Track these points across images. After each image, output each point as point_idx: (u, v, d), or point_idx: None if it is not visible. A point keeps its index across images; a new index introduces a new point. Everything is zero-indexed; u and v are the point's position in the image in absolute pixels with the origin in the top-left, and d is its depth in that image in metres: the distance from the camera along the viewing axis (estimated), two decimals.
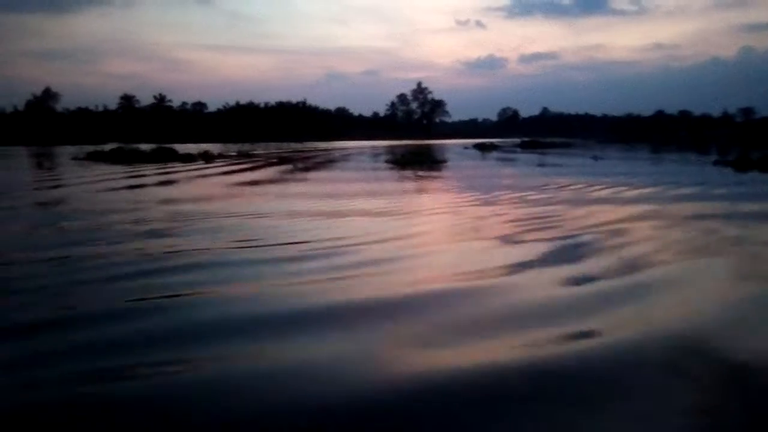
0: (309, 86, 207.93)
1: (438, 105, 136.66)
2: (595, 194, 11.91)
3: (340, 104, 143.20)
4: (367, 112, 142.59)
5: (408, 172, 20.03)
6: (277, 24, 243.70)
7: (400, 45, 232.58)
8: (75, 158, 30.04)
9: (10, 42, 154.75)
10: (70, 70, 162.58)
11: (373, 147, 54.95)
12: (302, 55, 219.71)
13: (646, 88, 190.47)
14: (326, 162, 28.95)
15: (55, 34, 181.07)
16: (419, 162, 25.91)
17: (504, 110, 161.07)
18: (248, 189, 14.31)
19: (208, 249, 6.19)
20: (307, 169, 23.08)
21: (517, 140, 68.18)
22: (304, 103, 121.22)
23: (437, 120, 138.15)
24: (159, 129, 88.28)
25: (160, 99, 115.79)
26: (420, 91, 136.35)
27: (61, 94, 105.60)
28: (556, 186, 13.80)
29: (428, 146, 57.43)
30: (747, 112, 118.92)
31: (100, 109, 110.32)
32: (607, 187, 13.21)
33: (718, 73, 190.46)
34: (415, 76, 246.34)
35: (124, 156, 30.46)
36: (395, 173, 20.06)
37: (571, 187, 13.41)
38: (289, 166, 24.74)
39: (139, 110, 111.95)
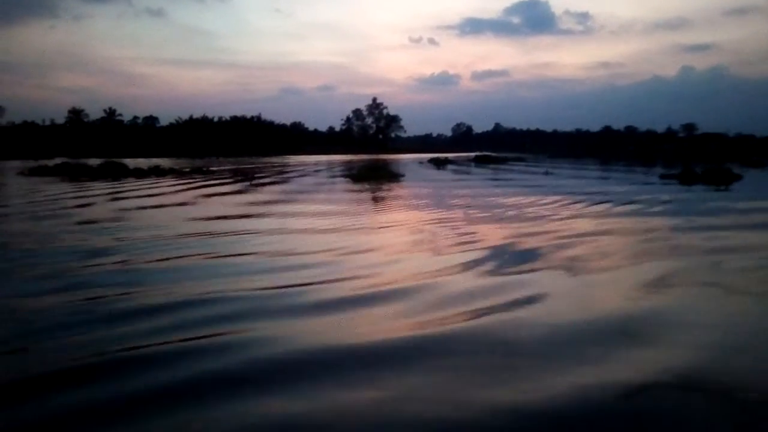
0: (264, 101, 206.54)
1: (393, 120, 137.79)
2: (550, 209, 12.18)
3: (296, 119, 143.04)
4: (323, 127, 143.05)
5: (366, 189, 20.05)
6: (233, 39, 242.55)
7: (355, 61, 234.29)
8: (21, 173, 29.16)
9: None
10: (16, 84, 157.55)
11: (330, 162, 54.85)
12: (257, 69, 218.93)
13: (593, 105, 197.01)
14: (284, 179, 28.72)
15: (0, 47, 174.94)
16: (376, 178, 25.93)
17: (458, 125, 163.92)
18: (207, 208, 14.09)
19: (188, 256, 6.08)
20: (264, 185, 22.84)
21: (471, 155, 69.08)
22: (259, 117, 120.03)
23: (393, 135, 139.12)
24: (108, 143, 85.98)
25: (110, 113, 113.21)
26: (375, 106, 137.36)
27: (5, 108, 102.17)
28: (509, 203, 14.06)
29: (384, 161, 57.67)
30: (689, 128, 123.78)
31: (47, 123, 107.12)
32: (573, 203, 13.54)
33: (661, 90, 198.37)
34: (371, 91, 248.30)
35: (70, 171, 29.61)
36: (355, 189, 20.03)
37: (523, 203, 13.69)
38: (246, 183, 24.43)
39: (87, 124, 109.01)
